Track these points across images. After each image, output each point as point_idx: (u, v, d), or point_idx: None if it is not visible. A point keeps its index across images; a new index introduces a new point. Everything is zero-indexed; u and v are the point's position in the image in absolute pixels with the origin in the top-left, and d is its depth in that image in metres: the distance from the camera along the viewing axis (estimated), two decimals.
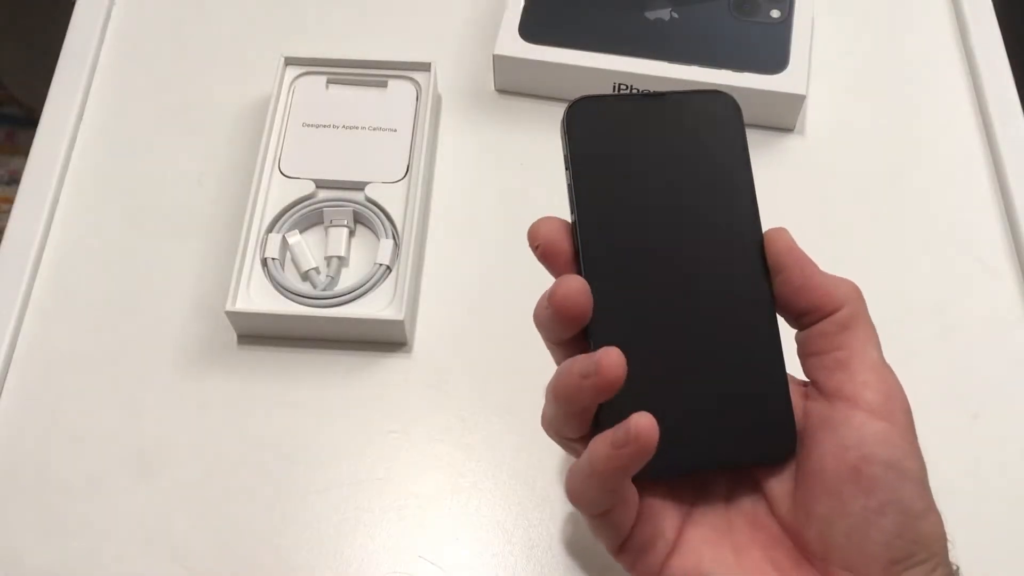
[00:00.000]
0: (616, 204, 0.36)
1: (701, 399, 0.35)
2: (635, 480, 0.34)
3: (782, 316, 0.37)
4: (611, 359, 0.32)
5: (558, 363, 0.36)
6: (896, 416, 0.34)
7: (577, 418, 0.34)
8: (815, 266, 0.37)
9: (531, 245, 0.36)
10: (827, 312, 0.36)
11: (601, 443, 0.33)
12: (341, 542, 0.45)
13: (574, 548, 0.45)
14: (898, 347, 0.50)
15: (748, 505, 0.36)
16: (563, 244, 0.36)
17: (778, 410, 0.36)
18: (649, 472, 0.32)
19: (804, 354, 0.37)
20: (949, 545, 0.35)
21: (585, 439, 0.34)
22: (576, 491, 0.34)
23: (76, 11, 0.62)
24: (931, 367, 0.49)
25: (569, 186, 0.37)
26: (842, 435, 0.34)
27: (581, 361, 0.33)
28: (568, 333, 0.34)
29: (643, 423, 0.31)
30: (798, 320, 0.37)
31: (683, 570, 0.35)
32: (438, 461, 0.47)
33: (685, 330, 0.36)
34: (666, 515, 0.35)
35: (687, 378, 0.36)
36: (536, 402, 0.49)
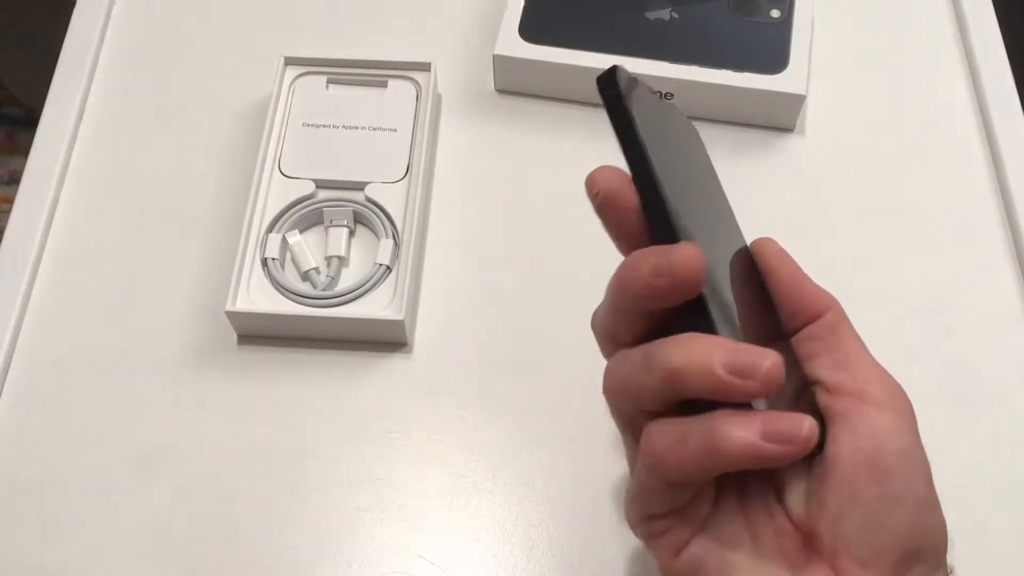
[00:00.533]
0: (672, 170, 0.34)
1: None
2: None
3: None
4: (687, 254, 0.30)
5: (621, 337, 0.34)
6: (904, 411, 0.35)
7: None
8: (804, 273, 0.38)
9: (589, 194, 0.34)
10: (812, 316, 0.36)
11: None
12: (341, 542, 0.45)
13: (574, 548, 0.45)
14: (898, 347, 0.50)
15: (759, 495, 0.36)
16: (628, 194, 0.33)
17: (806, 397, 0.35)
18: None
19: (802, 358, 0.37)
20: (949, 546, 0.35)
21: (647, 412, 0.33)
22: (632, 508, 0.35)
23: (76, 11, 0.62)
24: (931, 367, 0.49)
25: (631, 141, 0.34)
26: (855, 426, 0.34)
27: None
28: (677, 301, 0.32)
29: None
30: (786, 323, 0.37)
31: (702, 549, 0.34)
32: (438, 461, 0.47)
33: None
34: (705, 497, 0.35)
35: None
36: (536, 401, 0.49)
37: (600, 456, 0.46)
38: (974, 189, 0.55)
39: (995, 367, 0.49)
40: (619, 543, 0.44)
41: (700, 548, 0.34)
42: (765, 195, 0.55)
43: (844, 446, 0.34)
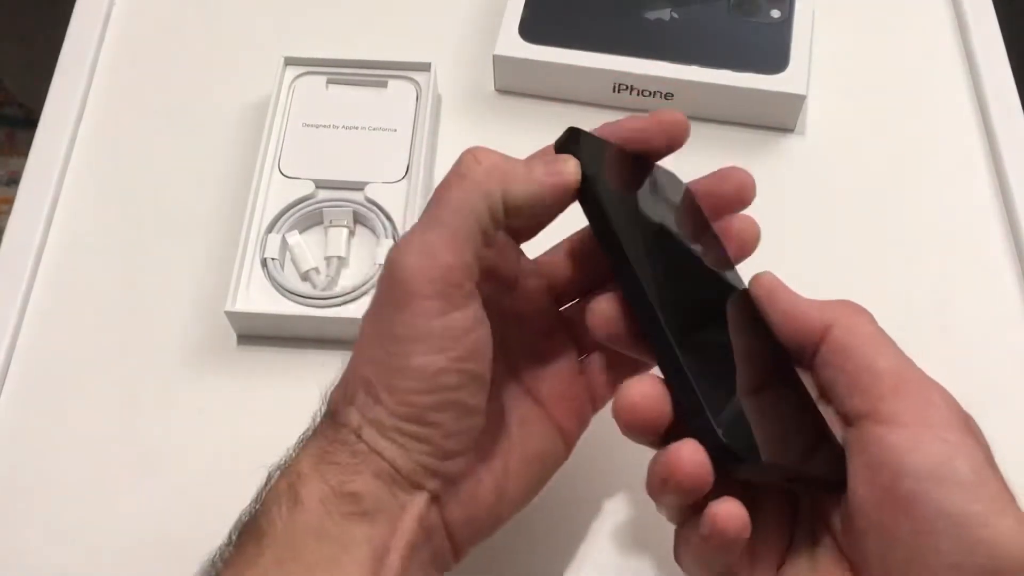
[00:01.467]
0: (651, 258, 0.34)
1: (780, 432, 0.33)
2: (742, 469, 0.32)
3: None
4: (682, 457, 0.30)
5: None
6: (927, 415, 0.31)
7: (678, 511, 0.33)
8: (795, 296, 0.35)
9: (597, 336, 0.35)
10: (817, 339, 0.34)
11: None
12: None
13: (574, 548, 0.45)
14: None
15: (827, 543, 0.34)
16: (623, 322, 0.34)
17: (826, 439, 0.33)
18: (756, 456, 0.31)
19: (821, 395, 0.34)
20: None
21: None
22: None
23: (76, 11, 0.62)
24: (931, 367, 0.49)
25: (603, 233, 0.35)
26: (869, 456, 0.31)
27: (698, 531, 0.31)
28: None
29: (723, 511, 0.30)
30: (800, 360, 0.35)
31: None
32: None
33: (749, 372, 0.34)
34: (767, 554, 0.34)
35: (770, 414, 0.33)
36: None
37: (600, 455, 0.46)
38: (974, 189, 0.55)
39: (995, 367, 0.49)
40: (619, 543, 0.44)
41: None
42: (765, 195, 0.55)
43: (860, 483, 0.31)
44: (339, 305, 0.49)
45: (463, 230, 0.33)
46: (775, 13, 0.58)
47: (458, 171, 0.34)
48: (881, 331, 0.34)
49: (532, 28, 0.57)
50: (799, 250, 0.53)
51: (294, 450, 0.35)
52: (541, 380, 0.39)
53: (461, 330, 0.32)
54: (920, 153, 0.56)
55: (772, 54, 0.56)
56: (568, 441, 0.39)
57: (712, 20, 0.58)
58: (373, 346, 0.33)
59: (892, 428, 0.31)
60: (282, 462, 0.35)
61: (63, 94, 0.58)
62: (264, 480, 0.35)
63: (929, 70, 0.60)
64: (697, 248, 0.37)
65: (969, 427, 0.32)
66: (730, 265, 0.38)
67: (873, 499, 0.31)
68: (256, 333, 0.50)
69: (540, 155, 0.36)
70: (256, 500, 0.34)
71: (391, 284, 0.33)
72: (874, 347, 0.33)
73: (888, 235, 0.54)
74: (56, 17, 0.64)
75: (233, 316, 0.49)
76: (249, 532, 0.33)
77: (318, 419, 0.35)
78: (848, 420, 0.33)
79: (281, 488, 0.33)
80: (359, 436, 0.33)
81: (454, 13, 0.62)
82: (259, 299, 0.49)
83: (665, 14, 0.58)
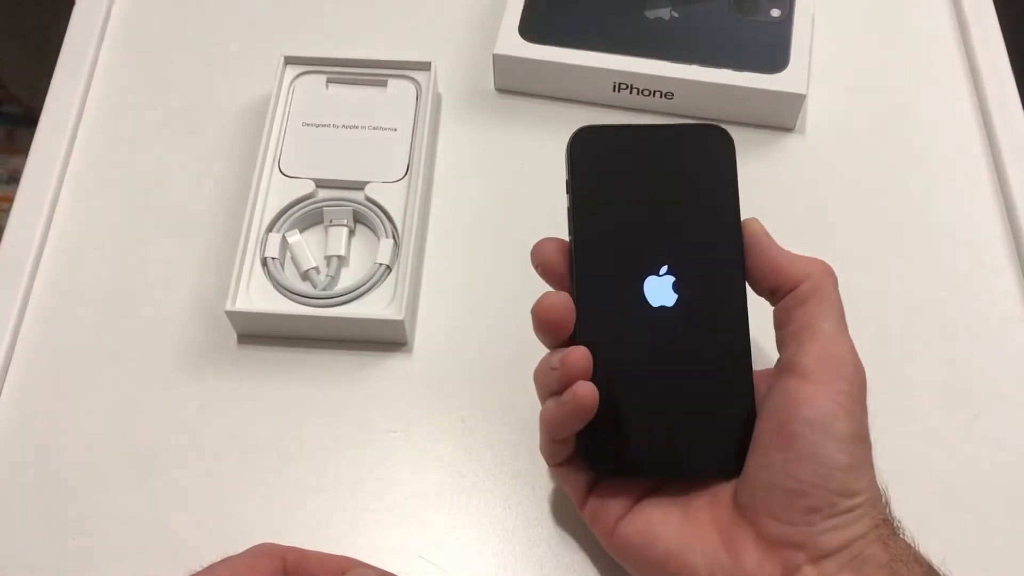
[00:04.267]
0: (610, 228, 0.40)
1: (666, 416, 0.39)
2: (597, 473, 0.40)
3: (759, 295, 0.40)
4: (576, 356, 0.37)
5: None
6: (834, 381, 0.37)
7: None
8: (780, 248, 0.40)
9: (532, 263, 0.41)
10: (789, 288, 0.39)
11: (551, 401, 0.39)
12: (341, 542, 0.45)
13: (574, 548, 0.45)
14: (898, 347, 0.50)
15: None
16: (561, 265, 0.40)
17: (738, 432, 0.39)
18: (608, 468, 0.39)
19: (775, 328, 0.40)
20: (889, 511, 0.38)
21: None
22: (540, 445, 0.41)
23: (76, 11, 0.62)
24: (931, 367, 0.49)
25: (568, 209, 0.40)
26: (775, 400, 0.37)
27: (551, 358, 0.39)
28: (552, 342, 0.40)
29: (583, 389, 0.37)
30: (771, 299, 0.40)
31: (633, 528, 0.39)
32: (438, 461, 0.47)
33: (664, 353, 0.39)
34: (625, 488, 0.40)
35: (657, 395, 0.39)
36: (536, 401, 0.49)
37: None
38: (974, 189, 0.55)
39: (995, 367, 0.49)
40: None
41: (627, 528, 0.39)
42: (765, 195, 0.55)
43: (763, 419, 0.38)
44: (339, 305, 0.49)
45: None
46: (775, 12, 0.58)
47: None
48: (837, 298, 0.39)
49: (532, 27, 0.57)
50: (799, 249, 0.53)
51: None
52: None
53: None
54: (920, 153, 0.56)
55: (772, 53, 0.56)
56: None
57: (712, 19, 0.57)
58: None
59: (803, 382, 0.37)
60: None
61: (63, 94, 0.58)
62: None
63: (929, 70, 0.60)
64: (691, 221, 0.40)
65: (862, 403, 0.37)
66: (734, 235, 0.40)
67: (767, 433, 0.37)
68: (256, 333, 0.50)
69: None
70: None
71: None
72: (825, 307, 0.38)
73: (888, 235, 0.54)
74: (56, 17, 0.64)
75: (233, 316, 0.49)
76: None
77: None
78: (779, 364, 0.39)
79: None
80: None
81: (454, 13, 0.62)
82: (259, 299, 0.49)
83: (665, 13, 0.58)
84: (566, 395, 0.38)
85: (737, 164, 0.40)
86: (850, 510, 0.36)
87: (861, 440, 0.37)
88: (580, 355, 0.38)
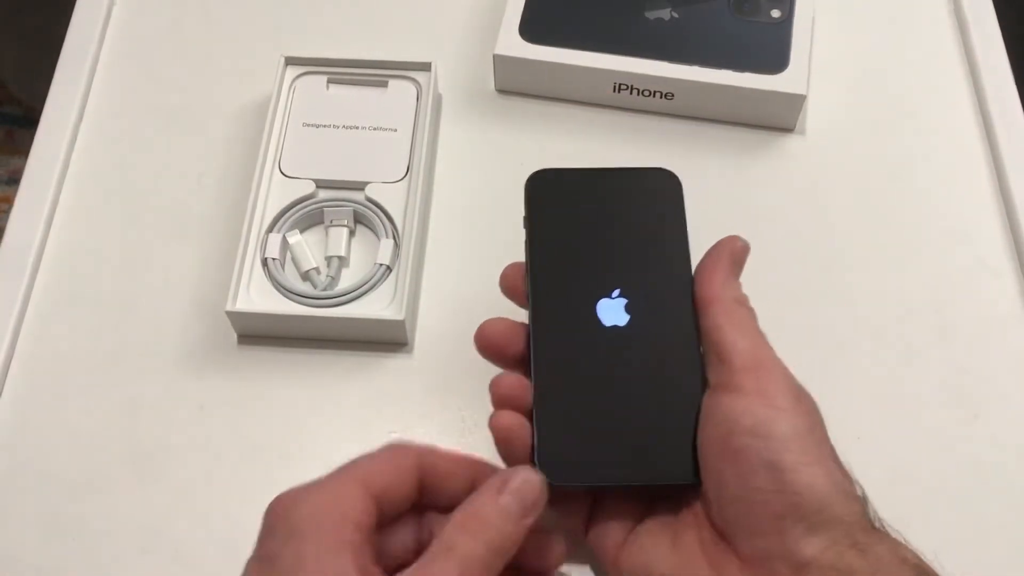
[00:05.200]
0: (565, 257, 0.43)
1: (620, 424, 0.40)
2: (555, 483, 0.38)
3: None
4: (498, 385, 0.40)
5: None
6: (764, 388, 0.37)
7: None
8: (711, 267, 0.40)
9: (500, 287, 0.43)
10: (705, 307, 0.40)
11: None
12: None
13: (574, 548, 0.45)
14: (898, 347, 0.50)
15: (690, 496, 0.39)
16: (520, 287, 0.42)
17: (691, 437, 0.39)
18: (563, 479, 0.38)
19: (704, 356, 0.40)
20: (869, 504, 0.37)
21: None
22: None
23: (76, 11, 0.62)
24: (931, 367, 0.49)
25: (525, 242, 0.43)
26: (714, 420, 0.38)
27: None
28: (500, 365, 0.41)
29: (495, 420, 0.39)
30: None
31: (630, 558, 0.39)
32: None
33: (617, 366, 0.41)
34: (620, 514, 0.40)
35: (611, 405, 0.40)
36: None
37: None
38: (974, 189, 0.55)
39: (995, 367, 0.49)
40: None
41: (626, 561, 0.39)
42: (765, 195, 0.55)
43: (707, 443, 0.38)
44: (339, 305, 0.49)
45: None
46: (775, 13, 0.58)
47: None
48: (750, 312, 0.39)
49: (532, 28, 0.57)
50: (799, 250, 0.53)
51: None
52: None
53: None
54: (920, 153, 0.56)
55: (772, 54, 0.56)
56: None
57: (712, 20, 0.57)
58: None
59: (735, 396, 0.37)
60: None
61: (63, 94, 0.58)
62: None
63: (929, 70, 0.60)
64: (641, 254, 0.43)
65: (800, 401, 0.37)
66: (683, 267, 0.42)
67: (713, 452, 0.37)
68: (256, 333, 0.50)
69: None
70: None
71: None
72: (738, 328, 0.39)
73: (888, 235, 0.54)
74: (56, 17, 0.64)
75: (233, 316, 0.49)
76: None
77: None
78: (712, 388, 0.39)
79: None
80: None
81: (454, 13, 0.62)
82: (259, 299, 0.49)
83: (665, 14, 0.58)
84: (490, 420, 0.39)
85: (684, 202, 0.43)
86: (818, 511, 0.35)
87: (805, 436, 0.36)
88: (503, 384, 0.39)
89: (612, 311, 0.41)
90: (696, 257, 0.42)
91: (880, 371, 0.49)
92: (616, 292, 0.42)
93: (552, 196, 0.44)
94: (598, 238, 0.43)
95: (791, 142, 0.57)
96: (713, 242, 0.53)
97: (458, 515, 0.35)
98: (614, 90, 0.56)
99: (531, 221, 0.44)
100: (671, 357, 0.41)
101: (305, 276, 0.51)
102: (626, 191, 0.44)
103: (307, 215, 0.52)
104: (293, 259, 0.51)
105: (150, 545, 0.45)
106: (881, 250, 0.53)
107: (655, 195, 0.44)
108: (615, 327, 0.41)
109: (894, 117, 0.58)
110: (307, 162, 0.53)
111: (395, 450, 0.37)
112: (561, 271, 0.42)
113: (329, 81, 0.56)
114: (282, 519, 0.34)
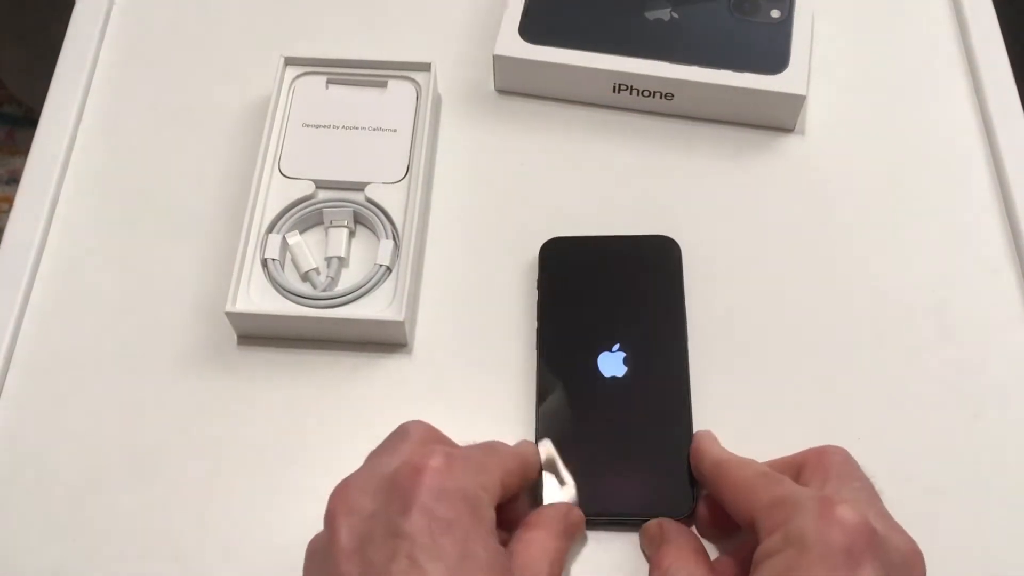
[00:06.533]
0: (570, 315, 0.48)
1: (619, 462, 0.45)
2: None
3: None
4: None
5: None
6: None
7: None
8: (735, 481, 0.41)
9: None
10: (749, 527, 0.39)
11: None
12: None
13: (574, 547, 0.45)
14: (898, 347, 0.50)
15: None
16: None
17: (685, 474, 0.44)
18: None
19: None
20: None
21: None
22: None
23: (76, 11, 0.62)
24: (931, 367, 0.49)
25: (537, 302, 0.49)
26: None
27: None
28: None
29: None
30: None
31: None
32: None
33: (617, 411, 0.46)
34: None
35: (611, 446, 0.45)
36: (535, 403, 0.49)
37: None
38: (974, 189, 0.55)
39: (995, 367, 0.49)
40: (619, 541, 0.44)
41: None
42: (765, 195, 0.55)
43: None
44: (339, 306, 0.49)
45: None
46: (775, 13, 0.58)
47: None
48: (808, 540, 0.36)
49: (532, 28, 0.57)
50: (799, 250, 0.53)
51: None
52: None
53: None
54: (920, 153, 0.56)
55: (772, 54, 0.56)
56: None
57: (712, 20, 0.57)
58: None
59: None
60: None
61: (63, 94, 0.58)
62: None
63: (929, 70, 0.60)
64: (641, 315, 0.48)
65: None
66: (679, 328, 0.48)
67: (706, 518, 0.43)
68: (256, 333, 0.50)
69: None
70: None
71: None
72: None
73: (888, 235, 0.54)
74: (56, 16, 0.64)
75: (233, 316, 0.49)
76: None
77: None
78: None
79: None
80: None
81: (454, 13, 0.62)
82: (259, 299, 0.49)
83: (665, 14, 0.58)
84: None
85: (683, 267, 0.50)
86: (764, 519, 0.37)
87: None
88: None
89: (612, 363, 0.47)
90: (692, 315, 0.48)
91: (880, 371, 0.49)
92: (616, 347, 0.47)
93: (562, 260, 0.50)
94: (602, 298, 0.49)
95: (791, 142, 0.57)
96: (712, 243, 0.53)
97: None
98: (614, 90, 0.56)
99: (543, 282, 0.50)
100: (665, 401, 0.46)
101: (305, 277, 0.51)
102: (630, 255, 0.50)
103: (307, 216, 0.52)
104: (293, 260, 0.51)
105: (150, 545, 0.45)
106: (881, 250, 0.53)
107: (656, 259, 0.50)
108: (614, 377, 0.47)
109: (894, 117, 0.58)
110: (307, 162, 0.53)
111: (527, 448, 0.44)
112: (567, 327, 0.48)
113: (329, 81, 0.56)
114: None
